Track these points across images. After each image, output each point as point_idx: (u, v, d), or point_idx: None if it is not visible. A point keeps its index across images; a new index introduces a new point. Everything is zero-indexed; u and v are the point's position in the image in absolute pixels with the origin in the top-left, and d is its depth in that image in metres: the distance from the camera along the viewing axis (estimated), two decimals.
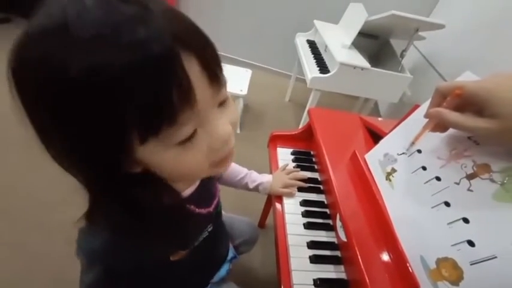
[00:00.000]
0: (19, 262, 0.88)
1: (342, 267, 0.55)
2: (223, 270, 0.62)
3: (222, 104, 0.29)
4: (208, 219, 0.47)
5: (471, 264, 0.33)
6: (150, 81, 0.21)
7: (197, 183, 0.41)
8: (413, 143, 0.47)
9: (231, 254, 0.66)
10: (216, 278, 0.61)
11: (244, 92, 1.47)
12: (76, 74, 0.20)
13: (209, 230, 0.48)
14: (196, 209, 0.41)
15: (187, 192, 0.39)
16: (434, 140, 0.45)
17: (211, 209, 0.45)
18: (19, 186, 1.09)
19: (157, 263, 0.41)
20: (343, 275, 0.54)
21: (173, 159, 0.26)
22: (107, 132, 0.22)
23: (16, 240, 0.93)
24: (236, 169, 0.68)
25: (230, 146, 0.30)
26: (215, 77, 0.26)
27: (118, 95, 0.21)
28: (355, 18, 1.47)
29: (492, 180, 0.35)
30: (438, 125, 0.40)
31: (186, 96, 0.23)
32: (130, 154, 0.25)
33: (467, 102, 0.35)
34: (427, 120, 0.41)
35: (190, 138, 0.26)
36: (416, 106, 0.53)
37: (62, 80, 0.20)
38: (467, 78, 0.40)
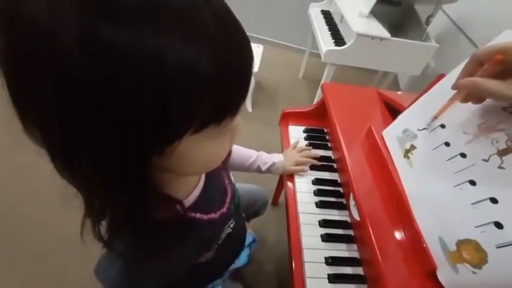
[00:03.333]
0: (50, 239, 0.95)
1: (354, 246, 0.54)
2: (243, 256, 0.61)
3: None
4: (226, 219, 0.43)
5: (497, 248, 0.30)
6: (239, 68, 0.22)
7: (201, 184, 0.37)
8: (435, 117, 0.42)
9: (250, 238, 0.63)
10: (237, 263, 0.59)
11: (256, 69, 1.42)
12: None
13: (231, 225, 0.45)
14: (205, 216, 0.37)
15: (191, 198, 0.36)
16: (460, 112, 0.40)
17: (224, 209, 0.42)
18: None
19: (185, 270, 0.39)
20: (355, 254, 0.53)
21: (210, 148, 0.26)
22: (172, 119, 0.20)
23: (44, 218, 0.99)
24: (246, 153, 0.65)
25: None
26: None
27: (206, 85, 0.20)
28: None
29: None
30: (469, 95, 0.35)
31: (248, 89, 0.24)
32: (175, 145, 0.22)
33: (509, 68, 0.30)
34: (454, 91, 0.37)
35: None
36: (442, 75, 0.48)
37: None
38: (507, 37, 0.35)
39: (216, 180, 0.43)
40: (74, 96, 0.17)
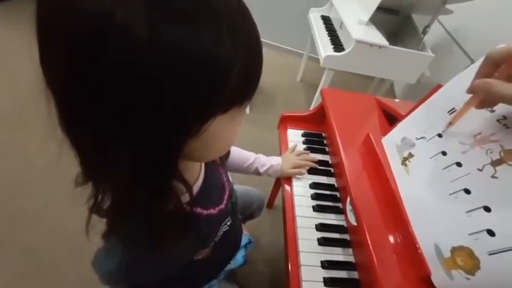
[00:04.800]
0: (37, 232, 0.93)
1: (350, 250, 0.55)
2: (239, 257, 0.61)
3: None
4: (223, 215, 0.44)
5: (489, 255, 0.31)
6: (258, 58, 0.25)
7: (201, 179, 0.38)
8: (451, 124, 0.42)
9: (245, 239, 0.64)
10: (233, 264, 0.60)
11: None
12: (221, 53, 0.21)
13: (228, 223, 0.46)
14: (204, 211, 0.38)
15: (193, 190, 0.36)
16: (457, 123, 0.41)
17: (222, 205, 0.42)
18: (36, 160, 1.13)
19: (180, 265, 0.40)
20: (351, 258, 0.54)
21: (230, 129, 0.28)
22: (207, 99, 0.22)
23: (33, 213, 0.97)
24: (244, 155, 0.66)
25: None
26: None
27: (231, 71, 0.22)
28: None
29: None
30: (485, 100, 0.34)
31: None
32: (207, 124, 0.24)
33: None
34: (451, 102, 0.38)
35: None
36: (439, 86, 0.50)
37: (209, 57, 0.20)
38: None
39: (215, 177, 0.43)
40: (139, 81, 0.19)
